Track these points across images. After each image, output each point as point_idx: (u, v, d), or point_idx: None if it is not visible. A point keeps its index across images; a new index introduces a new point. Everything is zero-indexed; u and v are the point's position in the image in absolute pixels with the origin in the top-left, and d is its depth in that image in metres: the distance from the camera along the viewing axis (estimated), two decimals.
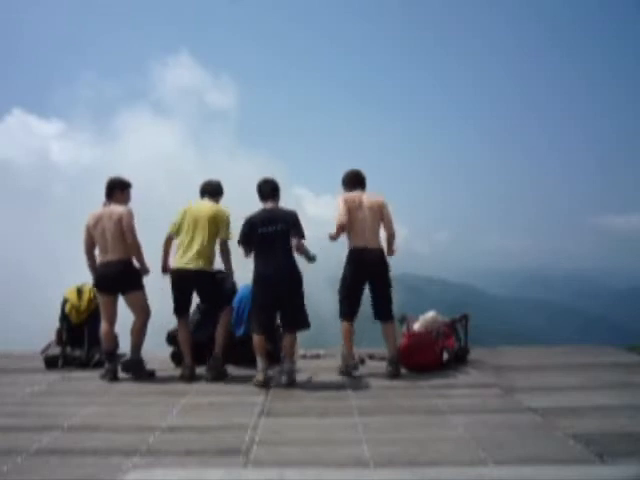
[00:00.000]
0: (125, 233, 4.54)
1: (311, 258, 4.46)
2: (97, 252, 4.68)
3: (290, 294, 4.39)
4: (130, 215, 4.61)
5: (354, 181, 4.82)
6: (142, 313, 4.68)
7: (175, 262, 4.59)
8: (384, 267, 4.70)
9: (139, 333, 4.68)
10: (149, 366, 4.75)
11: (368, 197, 4.71)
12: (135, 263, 4.68)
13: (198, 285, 4.59)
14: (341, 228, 4.56)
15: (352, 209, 4.61)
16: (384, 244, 4.72)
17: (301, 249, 4.40)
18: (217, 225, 4.57)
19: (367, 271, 4.64)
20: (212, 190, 4.83)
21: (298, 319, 4.46)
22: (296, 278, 4.44)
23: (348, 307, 4.69)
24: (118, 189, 4.73)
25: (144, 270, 4.72)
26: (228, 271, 4.67)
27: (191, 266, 4.48)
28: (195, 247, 4.50)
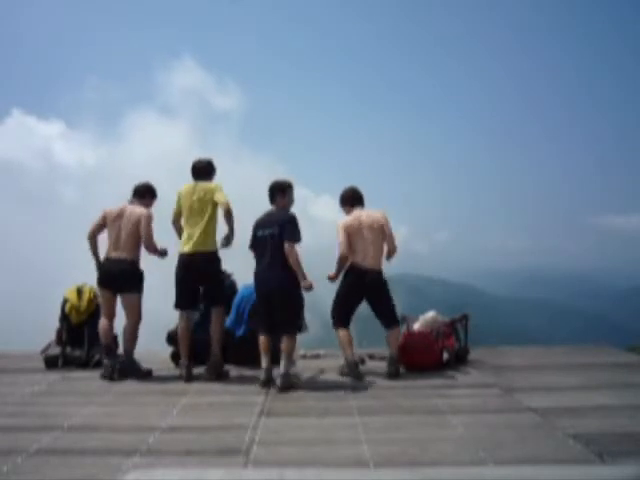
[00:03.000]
0: (142, 235, 4.62)
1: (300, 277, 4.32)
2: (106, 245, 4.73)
3: (279, 302, 4.31)
4: (149, 218, 4.67)
5: (352, 199, 4.84)
6: (134, 316, 4.68)
7: (180, 249, 4.60)
8: (382, 287, 4.70)
9: (131, 337, 4.68)
10: (149, 366, 4.75)
11: (368, 215, 4.70)
12: (141, 266, 4.76)
13: (203, 269, 4.55)
14: (343, 260, 4.66)
15: (352, 233, 4.64)
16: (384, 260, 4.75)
17: (291, 256, 4.24)
18: (211, 201, 4.53)
19: (364, 291, 4.66)
20: (203, 172, 4.74)
21: (286, 325, 4.35)
22: (285, 286, 4.30)
23: (342, 317, 4.71)
24: (150, 195, 4.91)
25: (161, 253, 4.73)
26: (230, 233, 4.53)
27: (196, 250, 4.49)
28: (197, 232, 4.50)
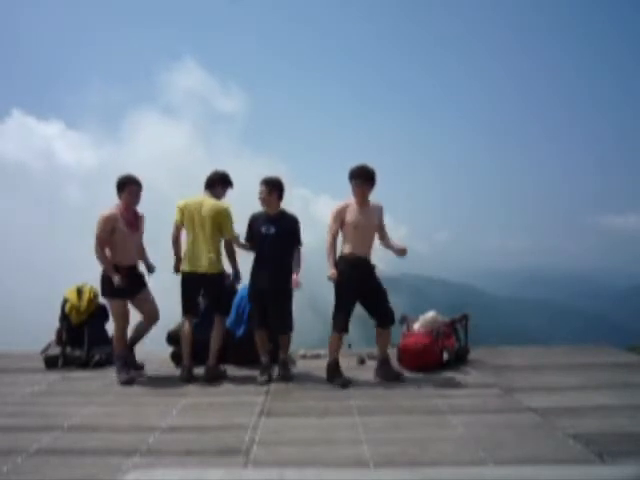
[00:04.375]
0: None
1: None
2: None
3: (276, 301, 4.49)
4: (99, 220, 4.42)
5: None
6: (114, 321, 4.57)
7: (184, 265, 4.55)
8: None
9: (114, 338, 4.59)
10: (149, 366, 4.75)
11: None
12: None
13: (207, 287, 4.57)
14: None
15: None
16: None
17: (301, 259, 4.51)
18: (219, 223, 4.48)
19: None
20: (209, 182, 4.64)
21: (281, 323, 4.57)
22: (284, 285, 4.50)
23: None
24: (122, 188, 4.57)
25: (109, 271, 4.42)
26: (235, 271, 4.64)
27: (201, 269, 4.46)
28: (202, 248, 4.46)
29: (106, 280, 4.45)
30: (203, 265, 4.46)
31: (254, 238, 4.54)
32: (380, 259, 4.74)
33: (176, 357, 4.96)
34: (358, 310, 4.69)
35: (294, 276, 4.49)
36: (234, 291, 5.29)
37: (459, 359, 5.01)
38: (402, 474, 1.10)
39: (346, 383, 4.34)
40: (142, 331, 4.74)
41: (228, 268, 5.16)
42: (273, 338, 4.73)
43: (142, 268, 4.78)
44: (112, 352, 4.73)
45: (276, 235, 4.44)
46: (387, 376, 4.47)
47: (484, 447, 2.92)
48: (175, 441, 3.12)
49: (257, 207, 4.60)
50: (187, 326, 4.60)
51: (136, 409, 3.81)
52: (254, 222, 4.56)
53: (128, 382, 4.45)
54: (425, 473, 1.14)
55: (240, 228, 4.65)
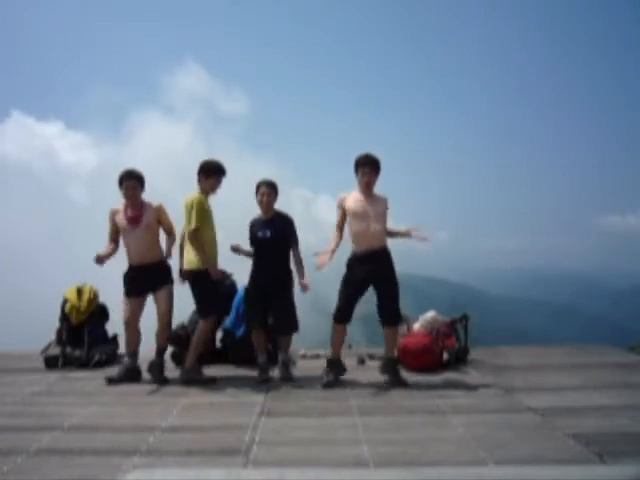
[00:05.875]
0: None
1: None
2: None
3: (277, 301, 4.49)
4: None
5: None
6: None
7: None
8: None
9: None
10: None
11: None
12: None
13: (192, 288, 4.42)
14: None
15: None
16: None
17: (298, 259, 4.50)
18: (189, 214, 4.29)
19: None
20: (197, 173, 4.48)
21: (284, 324, 4.57)
22: (285, 286, 4.52)
23: None
24: (119, 187, 4.50)
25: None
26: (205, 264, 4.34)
27: (183, 265, 4.45)
28: (185, 246, 4.42)
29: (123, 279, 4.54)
30: (183, 261, 4.45)
31: (253, 243, 4.58)
32: None
33: (176, 357, 4.95)
34: (358, 310, 4.70)
35: (302, 280, 4.47)
36: (234, 291, 5.30)
37: (459, 359, 5.00)
38: (402, 474, 1.10)
39: (329, 384, 4.30)
40: (157, 336, 4.57)
41: (226, 267, 5.15)
42: (272, 339, 4.74)
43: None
44: (112, 352, 4.74)
45: (272, 238, 4.46)
46: (392, 377, 4.36)
47: (484, 447, 2.92)
48: (175, 441, 3.12)
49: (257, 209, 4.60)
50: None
51: (136, 409, 3.81)
52: (252, 227, 4.60)
53: (109, 380, 4.43)
54: (425, 473, 1.14)
55: (238, 230, 4.66)
